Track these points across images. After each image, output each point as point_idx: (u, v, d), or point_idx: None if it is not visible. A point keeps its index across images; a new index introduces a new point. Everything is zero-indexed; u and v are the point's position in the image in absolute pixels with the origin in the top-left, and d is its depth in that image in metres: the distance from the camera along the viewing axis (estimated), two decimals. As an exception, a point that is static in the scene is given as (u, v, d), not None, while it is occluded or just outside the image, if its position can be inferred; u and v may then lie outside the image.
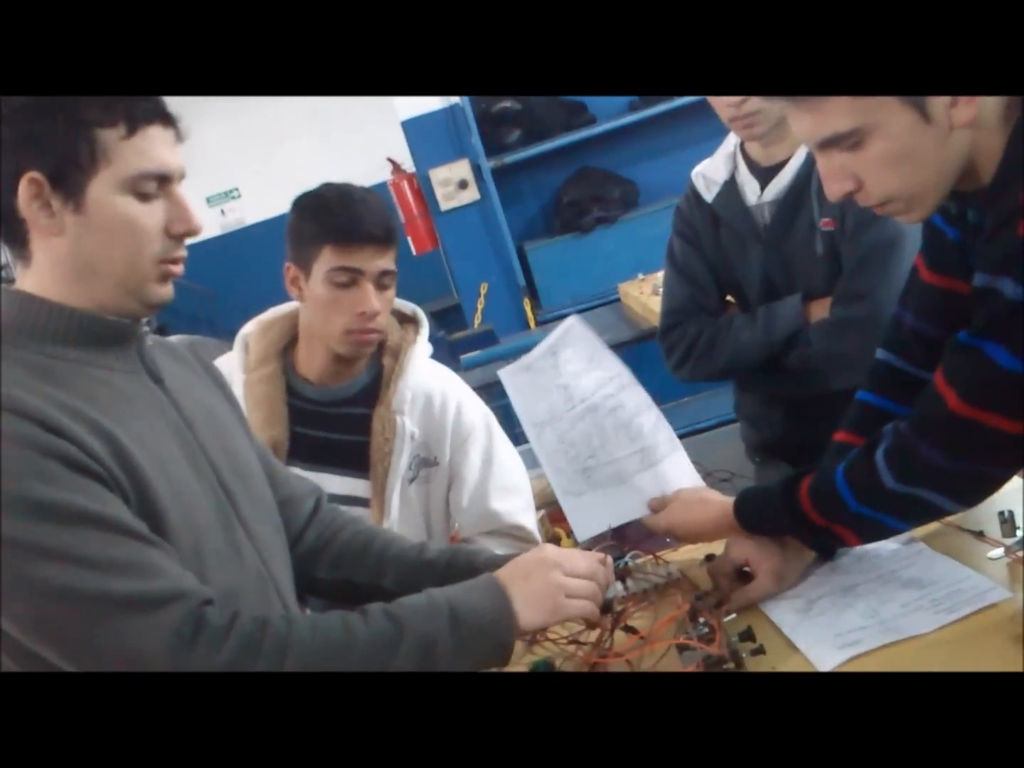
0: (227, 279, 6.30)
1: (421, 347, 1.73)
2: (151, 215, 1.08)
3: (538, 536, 1.73)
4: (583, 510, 1.53)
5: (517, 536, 1.70)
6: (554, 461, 1.63)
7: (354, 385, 1.69)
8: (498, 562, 1.28)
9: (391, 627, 1.09)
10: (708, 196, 1.82)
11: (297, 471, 1.59)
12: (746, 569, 1.34)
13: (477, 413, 1.77)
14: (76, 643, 0.99)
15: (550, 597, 1.13)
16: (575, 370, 1.62)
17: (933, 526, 1.34)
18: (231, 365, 1.70)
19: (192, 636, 1.00)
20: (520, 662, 1.26)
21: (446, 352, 3.63)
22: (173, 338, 1.43)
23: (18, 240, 1.08)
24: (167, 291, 1.13)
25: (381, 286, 1.62)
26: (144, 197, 1.07)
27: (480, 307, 4.80)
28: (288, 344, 1.73)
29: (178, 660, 0.99)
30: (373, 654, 1.07)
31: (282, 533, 1.31)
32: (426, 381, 1.72)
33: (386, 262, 1.62)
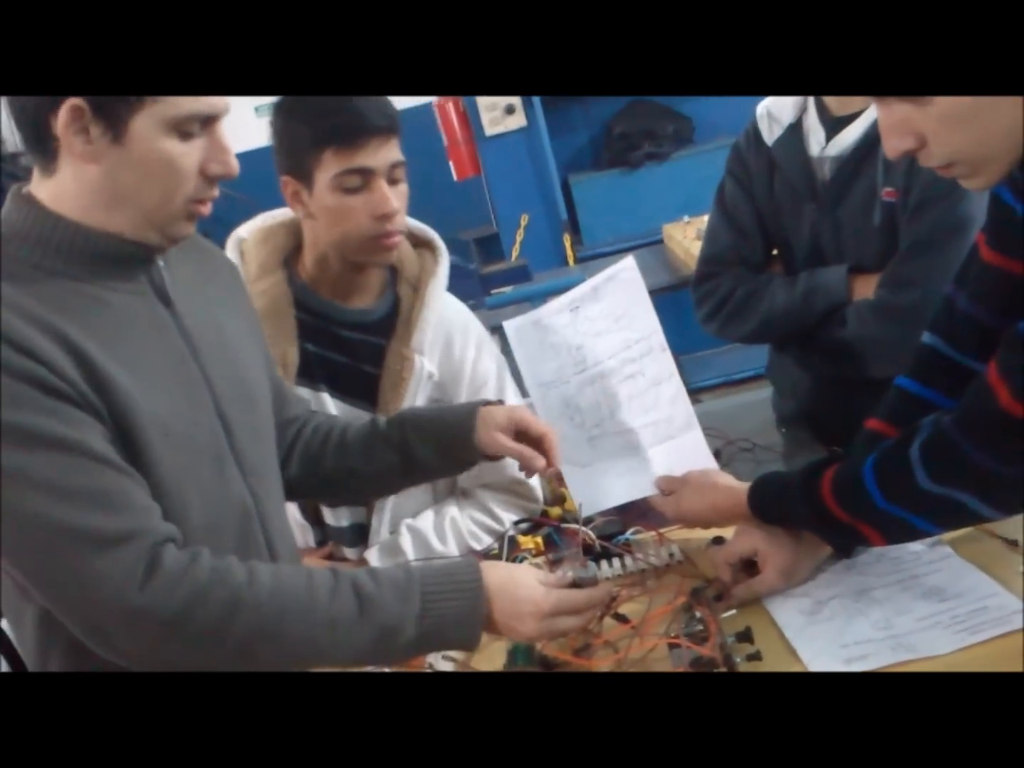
0: (272, 189, 6.19)
1: (441, 279, 1.60)
2: (190, 155, 1.03)
3: (539, 493, 1.62)
4: (588, 482, 1.43)
5: (517, 492, 1.60)
6: (558, 426, 1.52)
7: (371, 313, 1.57)
8: (445, 414, 1.34)
9: (355, 606, 1.05)
10: (769, 138, 1.66)
11: (303, 391, 1.53)
12: (754, 560, 1.23)
13: (493, 360, 1.66)
14: (34, 569, 0.99)
15: (532, 633, 1.09)
16: (596, 329, 1.50)
17: (964, 529, 1.22)
18: None
19: (144, 578, 0.97)
20: (500, 639, 1.17)
21: (477, 284, 3.52)
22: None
23: (46, 154, 1.02)
24: (190, 228, 1.08)
25: (393, 180, 1.46)
26: (186, 136, 1.02)
27: (519, 239, 4.65)
28: (290, 254, 1.59)
29: (127, 602, 0.96)
30: (330, 629, 1.03)
31: (275, 461, 1.26)
32: (448, 320, 1.60)
33: (395, 152, 1.46)
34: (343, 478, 1.38)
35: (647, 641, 1.13)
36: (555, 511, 1.63)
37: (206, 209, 1.08)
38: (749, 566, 1.23)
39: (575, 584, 1.13)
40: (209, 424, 1.11)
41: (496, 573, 1.10)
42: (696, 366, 4.94)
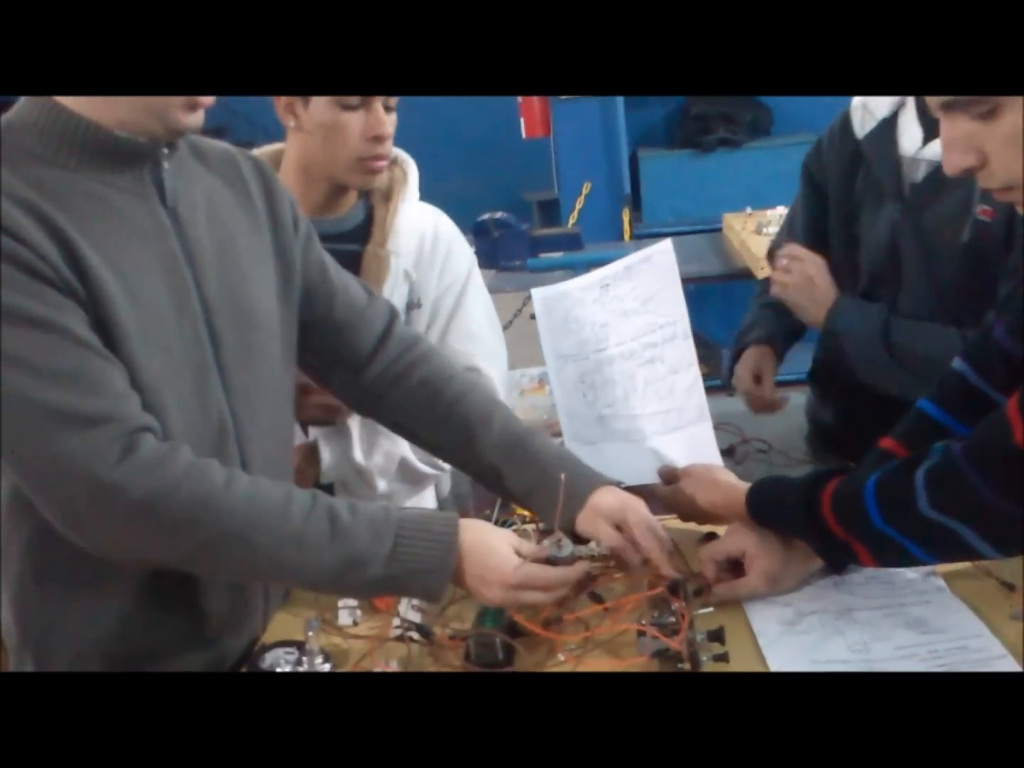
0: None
1: (412, 190, 1.61)
2: None
3: (495, 382, 1.59)
4: (591, 461, 1.41)
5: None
6: (569, 400, 1.50)
7: (346, 221, 1.57)
8: (553, 461, 1.25)
9: (327, 531, 1.05)
10: (860, 131, 1.59)
11: None
12: (741, 561, 1.20)
13: (465, 256, 1.66)
14: (9, 445, 0.99)
15: (497, 600, 1.09)
16: (623, 309, 1.48)
17: (961, 564, 1.19)
18: None
19: (117, 459, 0.98)
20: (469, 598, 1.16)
21: (526, 245, 3.48)
22: (248, 151, 1.32)
23: None
24: (190, 119, 1.05)
25: (388, 108, 1.48)
26: None
27: (578, 207, 4.60)
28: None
29: (98, 479, 0.97)
30: (298, 548, 1.04)
31: (280, 388, 1.24)
32: (419, 220, 1.61)
33: None
34: (425, 445, 1.37)
35: (617, 624, 1.11)
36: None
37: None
38: (735, 567, 1.21)
39: (550, 560, 1.12)
40: (194, 334, 1.10)
41: (472, 534, 1.09)
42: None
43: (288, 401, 1.29)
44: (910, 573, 1.19)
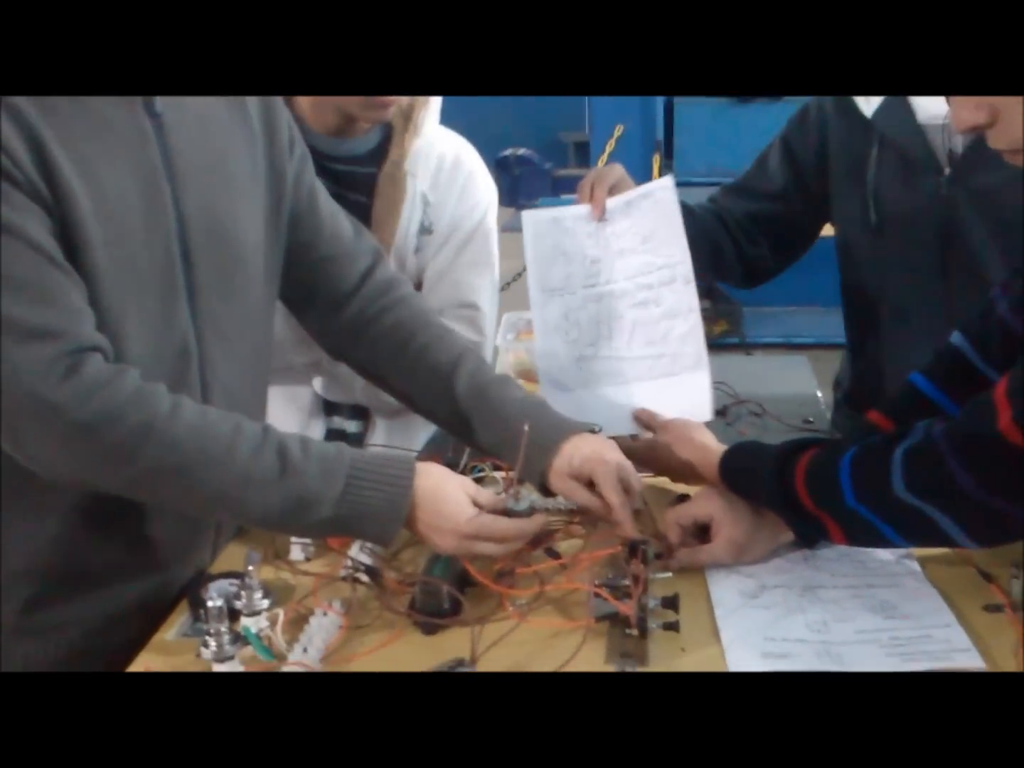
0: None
1: (433, 109, 1.53)
2: None
3: (487, 322, 1.55)
4: (564, 407, 1.36)
5: (466, 317, 1.53)
6: (550, 340, 1.44)
7: (362, 144, 1.50)
8: (521, 410, 1.18)
9: (275, 468, 1.01)
10: (867, 108, 1.48)
11: None
12: (708, 526, 1.16)
13: (486, 189, 1.59)
14: None
15: (449, 549, 1.06)
16: (619, 246, 1.41)
17: (939, 549, 1.13)
18: None
19: (60, 378, 0.94)
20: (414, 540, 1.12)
21: (547, 184, 3.40)
22: None
23: None
24: None
25: None
26: None
27: (608, 150, 4.48)
28: None
29: (39, 397, 0.93)
30: (243, 484, 1.00)
31: (258, 317, 1.19)
32: (440, 142, 1.54)
33: None
34: (395, 393, 1.31)
35: (569, 583, 1.07)
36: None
37: None
38: (702, 532, 1.16)
39: (507, 512, 1.07)
40: (164, 251, 1.05)
41: (428, 480, 1.05)
42: (757, 321, 4.81)
43: (267, 332, 1.24)
44: (884, 554, 1.14)
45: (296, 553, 1.18)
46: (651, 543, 1.13)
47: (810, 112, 1.61)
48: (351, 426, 1.60)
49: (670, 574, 1.10)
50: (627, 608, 0.99)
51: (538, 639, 1.02)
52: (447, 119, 1.56)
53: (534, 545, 1.13)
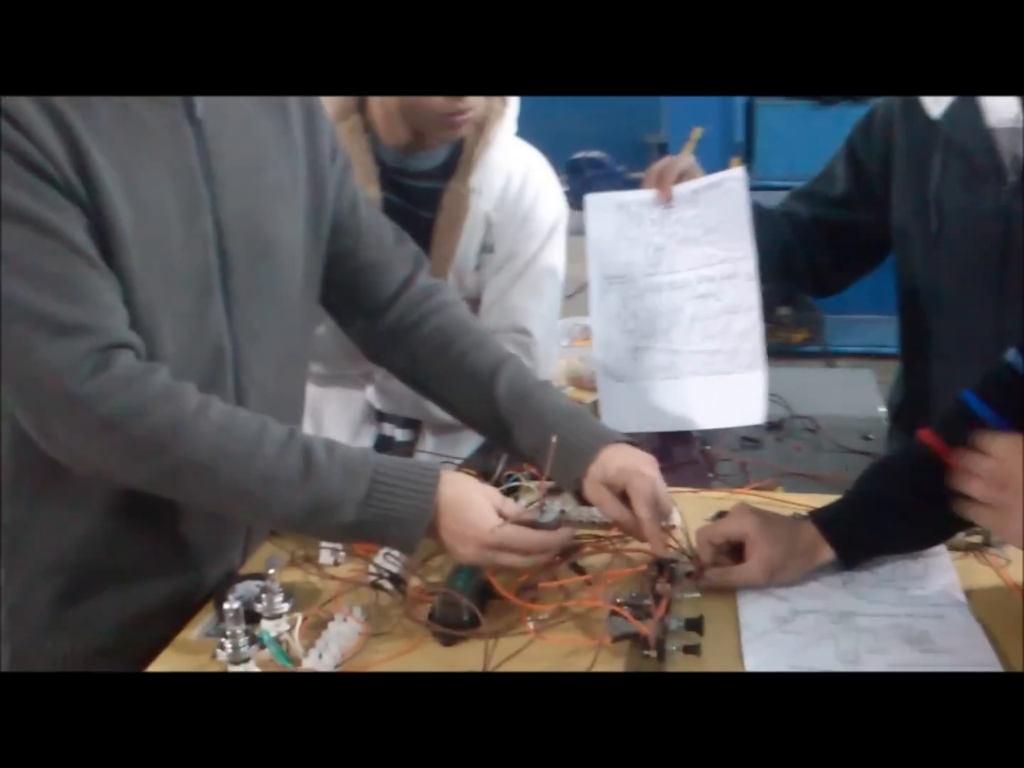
0: None
1: (508, 122, 1.51)
2: None
3: (539, 349, 1.51)
4: (619, 398, 1.33)
5: (518, 342, 1.49)
6: (607, 329, 1.40)
7: (431, 158, 1.49)
8: (559, 418, 1.16)
9: (299, 470, 1.01)
10: (935, 109, 1.41)
11: None
12: (742, 545, 1.12)
13: (553, 210, 1.55)
14: None
15: (471, 559, 1.04)
16: (683, 235, 1.38)
17: (992, 579, 1.08)
18: None
19: (89, 373, 0.95)
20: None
21: (620, 188, 3.36)
22: None
23: None
24: None
25: None
26: None
27: (689, 151, 4.41)
28: (362, 100, 1.50)
29: (67, 391, 0.95)
30: (267, 484, 1.01)
31: (295, 322, 1.19)
32: (510, 160, 1.51)
33: None
34: (436, 399, 1.29)
35: (589, 600, 1.05)
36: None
37: None
38: (735, 551, 1.12)
39: (533, 524, 1.05)
40: (201, 253, 1.05)
41: (453, 488, 1.04)
42: (840, 329, 4.68)
43: (304, 335, 1.25)
44: (930, 583, 1.09)
45: (325, 557, 1.18)
46: (679, 561, 1.10)
47: (876, 115, 1.55)
48: (401, 435, 1.59)
49: (698, 594, 1.07)
50: (646, 628, 0.97)
51: (556, 655, 1.00)
52: (522, 121, 1.55)
53: (560, 559, 1.11)
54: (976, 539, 1.16)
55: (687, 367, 1.36)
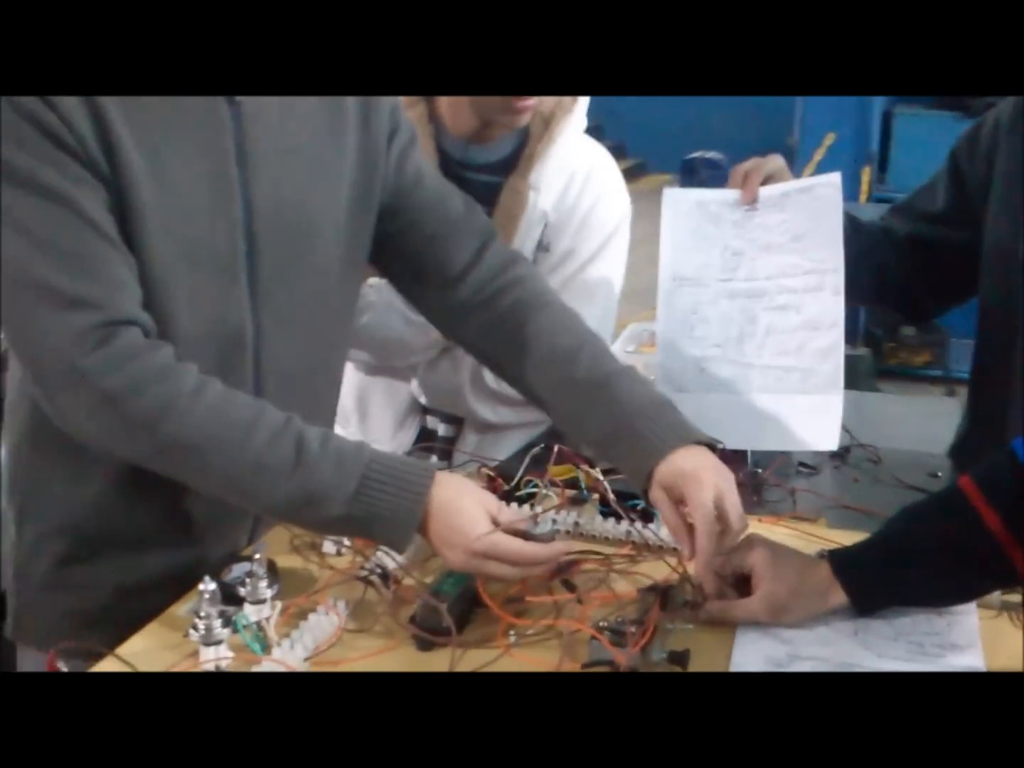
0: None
1: (577, 117, 1.46)
2: None
3: None
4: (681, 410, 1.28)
5: None
6: (673, 333, 1.34)
7: (496, 150, 1.46)
8: (638, 409, 1.10)
9: (290, 460, 1.00)
10: None
11: None
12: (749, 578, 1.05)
13: (615, 213, 1.51)
14: (3, 308, 0.99)
15: (457, 564, 1.01)
16: (766, 241, 1.31)
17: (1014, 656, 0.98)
18: None
19: (91, 349, 0.96)
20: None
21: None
22: None
23: None
24: None
25: None
26: None
27: (816, 159, 4.25)
28: None
29: (69, 363, 0.97)
30: (256, 472, 1.00)
31: (329, 307, 1.18)
32: (574, 158, 1.47)
33: None
34: (508, 377, 1.25)
35: (571, 620, 1.00)
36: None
37: None
38: (743, 583, 1.05)
39: (526, 535, 1.02)
40: (228, 234, 1.06)
41: (446, 490, 1.01)
42: (966, 353, 4.41)
43: (340, 323, 1.24)
44: (950, 643, 1.00)
45: (328, 546, 1.18)
46: (678, 588, 1.04)
47: (984, 126, 1.44)
48: (444, 429, 1.58)
49: (690, 626, 1.01)
50: (621, 657, 0.92)
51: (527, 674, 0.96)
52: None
53: (554, 574, 1.07)
54: (1014, 598, 1.06)
55: (757, 382, 1.30)
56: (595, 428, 1.13)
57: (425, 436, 1.58)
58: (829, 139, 4.23)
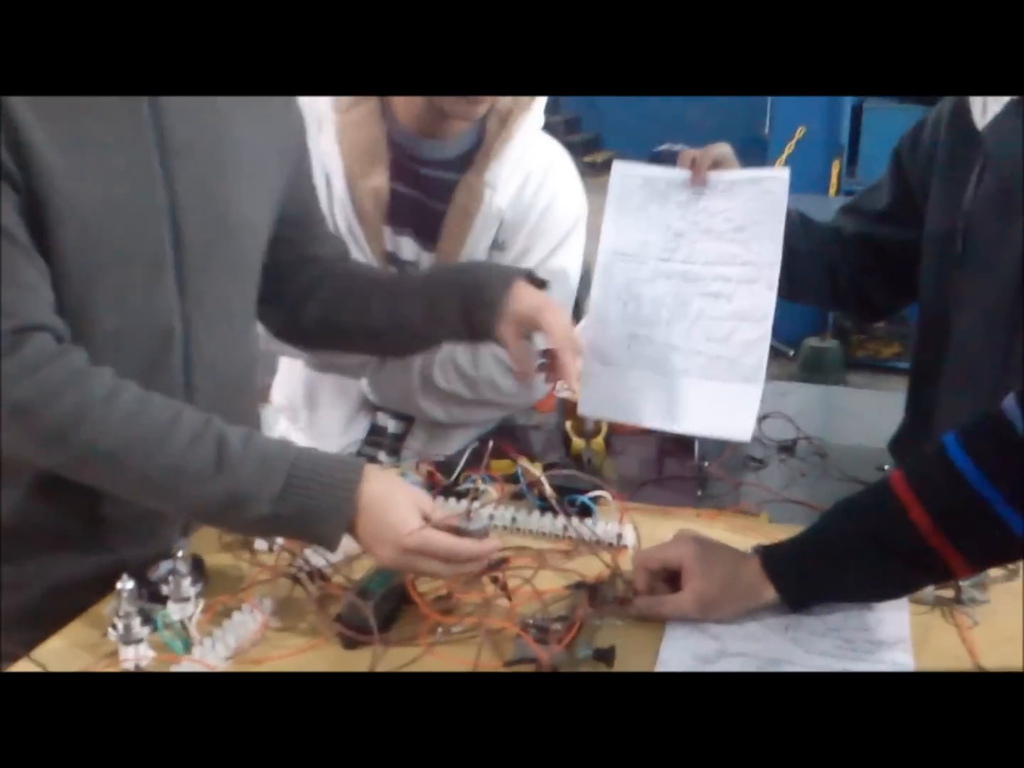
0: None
1: (534, 115, 1.45)
2: None
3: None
4: (602, 383, 1.27)
5: None
6: (605, 307, 1.33)
7: (451, 147, 1.45)
8: (478, 272, 1.24)
9: (212, 461, 0.98)
10: (980, 119, 1.30)
11: (388, 234, 1.46)
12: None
13: (571, 212, 1.50)
14: None
15: (387, 561, 0.99)
16: (708, 226, 1.30)
17: (953, 641, 0.97)
18: (320, 103, 1.48)
19: (1, 356, 0.93)
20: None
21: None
22: None
23: None
24: None
25: None
26: None
27: (787, 152, 4.24)
28: None
29: None
30: (176, 475, 0.98)
31: (251, 295, 1.19)
32: (531, 156, 1.46)
33: None
34: (360, 333, 1.30)
35: (497, 619, 0.99)
36: (577, 444, 1.47)
37: None
38: (674, 579, 1.04)
39: (459, 532, 1.00)
40: (152, 230, 1.04)
41: (375, 486, 0.99)
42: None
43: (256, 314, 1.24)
44: (879, 637, 0.99)
45: (260, 543, 1.16)
46: (609, 584, 1.03)
47: (926, 124, 1.43)
48: (393, 425, 1.56)
49: (620, 622, 1.00)
50: (544, 654, 0.90)
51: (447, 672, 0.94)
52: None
53: (486, 570, 1.05)
54: (947, 593, 1.05)
55: (681, 366, 1.29)
56: (445, 310, 1.22)
57: (375, 432, 1.57)
58: (800, 132, 4.23)
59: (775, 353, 4.52)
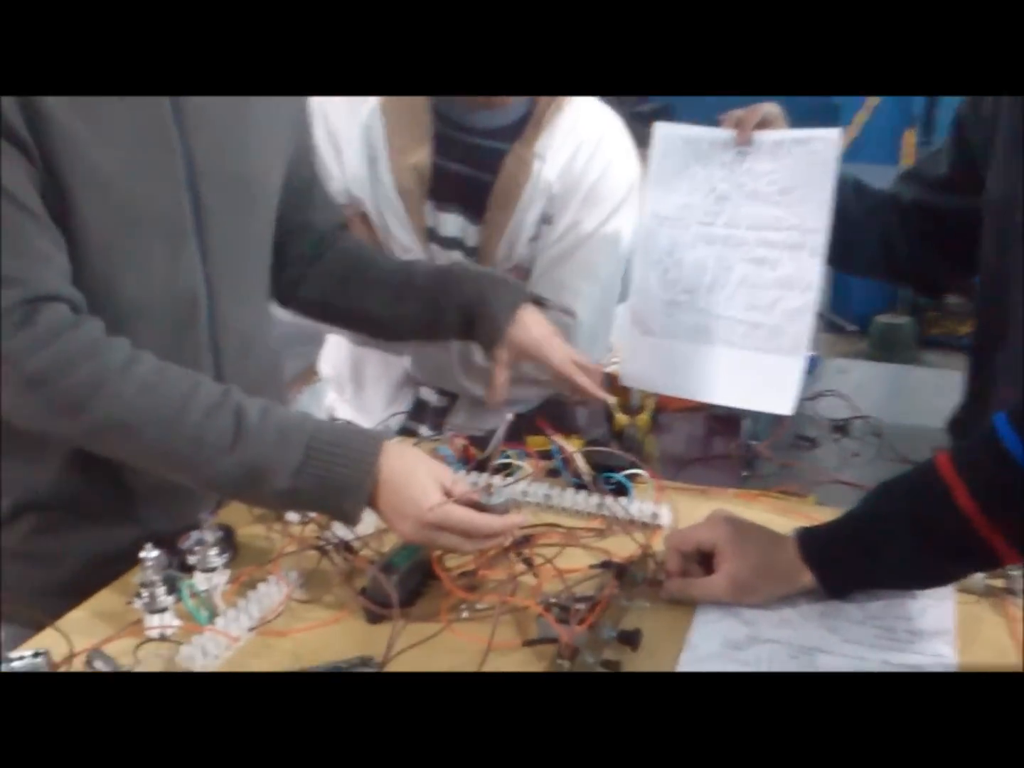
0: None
1: None
2: None
3: (582, 334, 1.42)
4: (642, 353, 1.24)
5: (561, 321, 1.39)
6: (646, 273, 1.29)
7: (500, 116, 1.41)
8: (486, 286, 1.27)
9: (230, 433, 0.97)
10: None
11: (429, 209, 1.44)
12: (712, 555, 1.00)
13: (622, 183, 1.45)
14: None
15: (409, 536, 0.98)
16: (753, 189, 1.26)
17: (1001, 633, 0.92)
18: None
19: (15, 328, 0.93)
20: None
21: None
22: None
23: None
24: None
25: None
26: None
27: (861, 120, 4.09)
28: None
29: None
30: (195, 446, 0.97)
31: (264, 263, 1.21)
32: (583, 129, 1.42)
33: None
34: (356, 317, 1.34)
35: (527, 599, 0.96)
36: (620, 420, 1.43)
37: None
38: (706, 561, 1.01)
39: (480, 507, 0.98)
40: (172, 197, 1.04)
41: (397, 460, 0.98)
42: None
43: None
44: (922, 628, 0.94)
45: (293, 515, 1.15)
46: (639, 564, 1.00)
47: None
48: (437, 400, 1.55)
49: (648, 604, 0.97)
50: (565, 635, 0.88)
51: (471, 651, 0.92)
52: None
53: (511, 547, 1.04)
54: (998, 582, 1.00)
55: (722, 334, 1.25)
56: (447, 313, 1.26)
57: (419, 407, 1.56)
58: (873, 100, 4.08)
59: (840, 329, 4.43)
